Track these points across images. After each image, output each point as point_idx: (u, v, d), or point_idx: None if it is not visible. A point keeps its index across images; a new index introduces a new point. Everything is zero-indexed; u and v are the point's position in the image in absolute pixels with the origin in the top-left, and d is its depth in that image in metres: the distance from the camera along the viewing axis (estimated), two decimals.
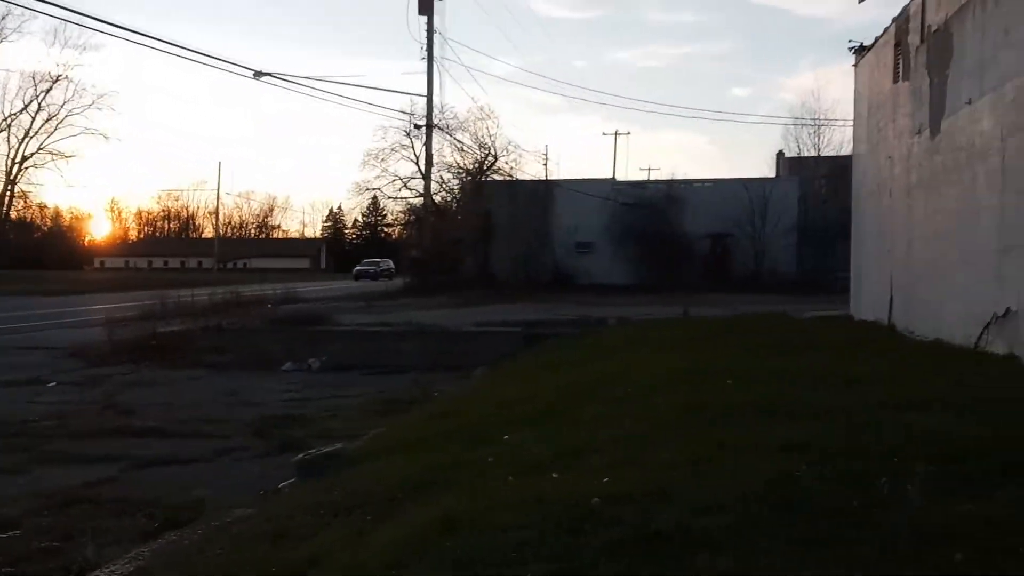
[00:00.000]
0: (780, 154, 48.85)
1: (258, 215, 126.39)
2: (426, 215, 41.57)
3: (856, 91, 20.19)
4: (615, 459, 5.64)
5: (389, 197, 49.17)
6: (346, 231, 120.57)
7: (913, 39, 15.23)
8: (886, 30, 17.19)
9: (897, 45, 16.34)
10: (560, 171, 62.08)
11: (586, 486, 4.86)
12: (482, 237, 41.54)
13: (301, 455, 7.94)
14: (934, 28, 14.05)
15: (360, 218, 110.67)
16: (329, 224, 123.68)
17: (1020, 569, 3.68)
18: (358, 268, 71.49)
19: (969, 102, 12.30)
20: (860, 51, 19.52)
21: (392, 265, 69.68)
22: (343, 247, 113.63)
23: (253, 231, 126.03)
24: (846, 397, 7.29)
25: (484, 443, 7.94)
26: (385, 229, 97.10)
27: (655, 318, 21.48)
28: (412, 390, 15.57)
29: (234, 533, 5.97)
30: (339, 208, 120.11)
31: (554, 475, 5.35)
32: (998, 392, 7.43)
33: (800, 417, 6.44)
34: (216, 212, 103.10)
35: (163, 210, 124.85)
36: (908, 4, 15.64)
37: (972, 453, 5.12)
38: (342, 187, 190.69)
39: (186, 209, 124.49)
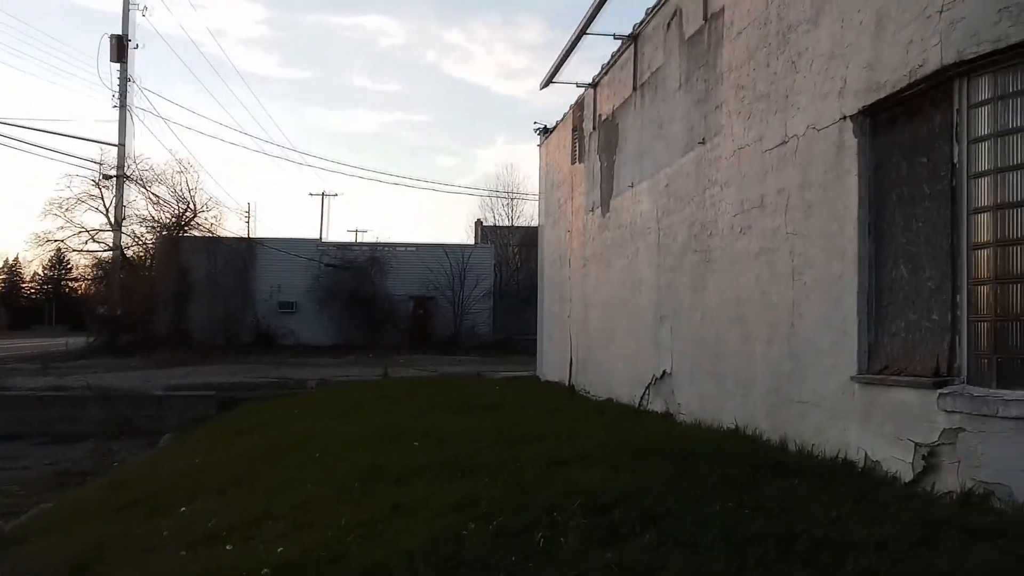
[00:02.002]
0: (479, 222, 51.19)
1: None
2: (116, 270, 38.92)
3: (541, 169, 21.82)
4: (293, 526, 5.69)
5: (75, 250, 45.54)
6: (24, 285, 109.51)
7: (588, 126, 16.81)
8: (565, 116, 18.81)
9: (575, 130, 17.93)
10: (269, 230, 60.69)
11: (259, 556, 4.89)
12: (179, 295, 39.54)
13: None
14: (604, 117, 15.62)
15: (41, 271, 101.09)
16: (4, 277, 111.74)
17: None
18: None
19: (632, 185, 13.76)
20: (544, 132, 21.16)
21: None
22: (20, 303, 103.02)
23: None
24: (521, 454, 7.77)
25: (162, 515, 7.65)
26: (70, 284, 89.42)
27: (356, 380, 21.58)
28: (89, 460, 14.53)
29: None
30: (16, 260, 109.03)
31: (228, 547, 5.31)
32: (650, 446, 8.27)
33: (476, 475, 6.82)
34: None
35: None
36: (583, 94, 17.25)
37: (620, 504, 5.67)
38: (20, 238, 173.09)
39: None
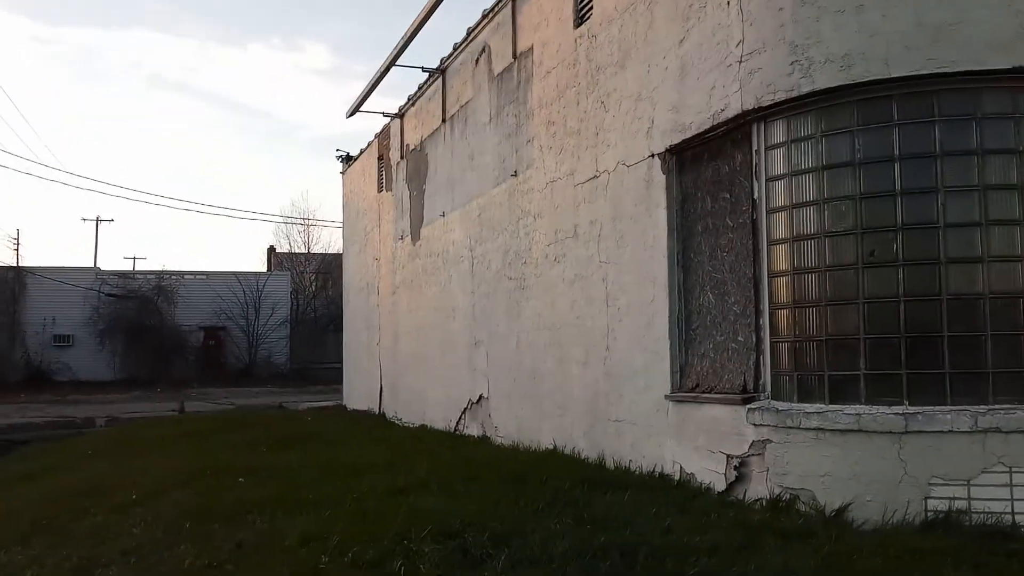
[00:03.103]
0: (272, 249, 49.87)
1: None
2: None
3: (344, 196, 21.70)
4: (132, 572, 5.46)
5: None
6: None
7: (395, 155, 16.96)
8: (371, 144, 18.87)
9: (381, 159, 18.03)
10: (42, 258, 56.24)
11: None
12: None
13: None
14: (412, 147, 15.84)
15: None
16: None
17: None
18: None
19: (444, 214, 14.03)
20: (348, 160, 21.08)
21: None
22: None
23: None
24: (355, 485, 7.75)
25: None
26: None
27: (150, 415, 20.50)
28: None
29: None
30: None
31: None
32: (480, 470, 8.48)
33: (315, 509, 6.76)
34: None
35: None
36: (389, 123, 17.40)
37: (468, 528, 5.78)
38: None
39: None
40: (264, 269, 47.63)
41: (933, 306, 6.17)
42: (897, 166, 6.33)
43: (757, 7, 6.98)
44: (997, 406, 5.93)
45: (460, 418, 13.09)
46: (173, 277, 41.00)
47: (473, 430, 12.53)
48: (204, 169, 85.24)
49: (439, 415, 13.90)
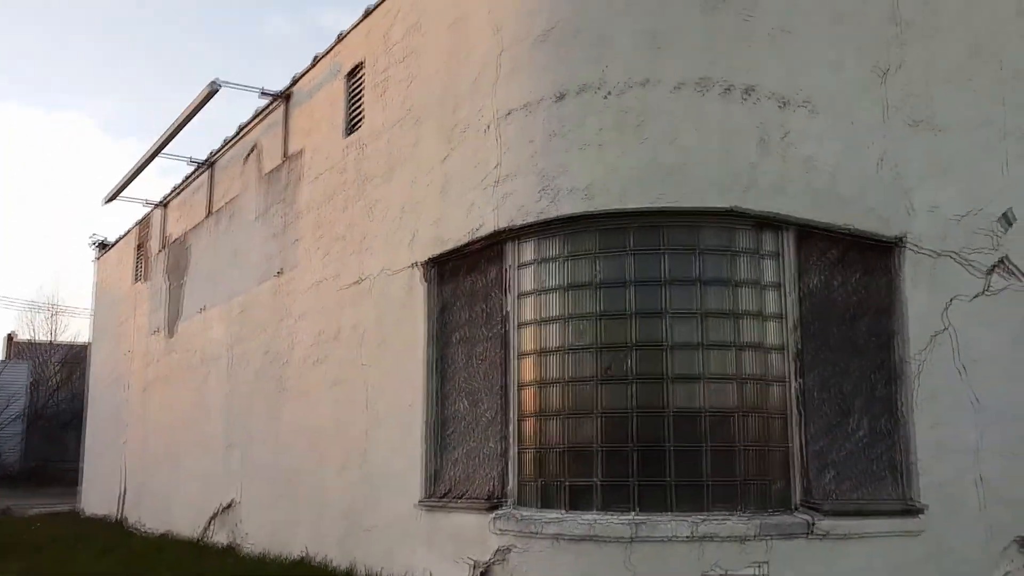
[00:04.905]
0: (11, 336, 45.83)
1: None
2: None
3: (97, 284, 20.51)
4: None
5: None
6: None
7: (154, 245, 16.34)
8: (129, 232, 18.07)
9: (139, 247, 17.30)
10: None
11: None
12: None
13: None
14: (174, 239, 15.35)
15: None
16: None
17: None
18: None
19: (203, 310, 13.61)
20: (103, 247, 20.02)
21: None
22: None
23: None
24: None
25: None
26: None
27: None
28: None
29: None
30: None
31: None
32: None
33: None
34: None
35: None
36: (150, 212, 16.80)
37: None
38: None
39: None
40: (1, 357, 43.61)
41: (660, 420, 6.70)
42: (631, 290, 6.91)
43: (513, 135, 7.49)
44: (713, 514, 6.48)
45: (209, 525, 12.47)
46: None
47: (221, 537, 11.96)
48: None
49: (187, 521, 13.17)
